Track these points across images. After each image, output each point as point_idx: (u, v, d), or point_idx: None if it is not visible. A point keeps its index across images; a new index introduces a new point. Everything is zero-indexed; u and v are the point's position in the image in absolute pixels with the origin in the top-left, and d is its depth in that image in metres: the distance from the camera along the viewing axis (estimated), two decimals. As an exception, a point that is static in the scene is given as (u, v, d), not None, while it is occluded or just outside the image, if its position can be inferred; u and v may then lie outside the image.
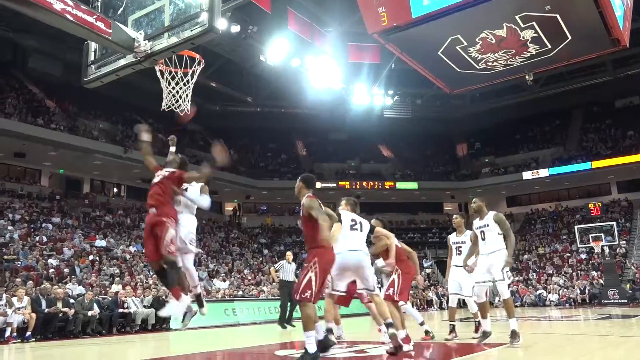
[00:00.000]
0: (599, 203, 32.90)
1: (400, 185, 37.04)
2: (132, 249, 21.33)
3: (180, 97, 7.30)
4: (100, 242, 21.01)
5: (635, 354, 5.17)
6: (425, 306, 25.59)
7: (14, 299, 10.85)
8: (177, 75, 7.24)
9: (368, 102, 32.05)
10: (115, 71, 5.94)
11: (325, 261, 4.92)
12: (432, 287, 28.38)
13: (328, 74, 27.70)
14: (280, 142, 40.20)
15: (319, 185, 36.06)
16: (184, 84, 7.29)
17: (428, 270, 31.90)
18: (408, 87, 34.18)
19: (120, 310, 12.51)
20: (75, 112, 27.79)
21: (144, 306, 13.31)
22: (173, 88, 7.29)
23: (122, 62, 5.82)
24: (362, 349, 6.19)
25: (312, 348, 4.76)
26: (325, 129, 39.03)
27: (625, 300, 21.65)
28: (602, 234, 24.94)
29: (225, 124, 38.00)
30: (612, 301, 21.96)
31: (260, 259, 28.28)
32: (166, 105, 7.42)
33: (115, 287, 13.86)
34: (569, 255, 29.84)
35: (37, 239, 18.87)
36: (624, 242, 28.75)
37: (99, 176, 29.33)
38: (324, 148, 40.43)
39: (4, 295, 10.91)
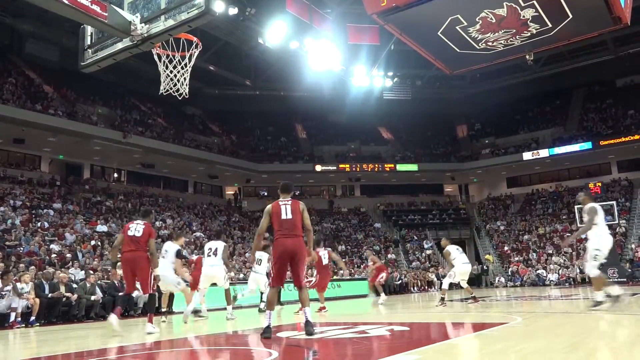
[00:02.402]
0: (599, 183, 32.93)
1: (401, 167, 37.02)
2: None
3: (179, 80, 7.27)
4: (102, 227, 21.06)
5: (634, 331, 5.22)
6: (426, 287, 25.76)
7: (19, 284, 10.92)
8: (175, 59, 7.20)
9: (368, 84, 31.83)
10: (112, 55, 5.91)
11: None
12: (432, 268, 28.53)
13: (327, 56, 27.47)
14: (280, 125, 40.07)
15: (319, 168, 36.10)
16: (182, 68, 7.25)
17: (428, 252, 32.04)
18: (408, 69, 33.98)
19: (121, 294, 12.57)
20: (73, 97, 27.65)
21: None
22: (171, 72, 7.26)
23: (119, 45, 5.78)
24: (363, 330, 6.25)
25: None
26: (324, 112, 38.87)
27: (625, 279, 21.80)
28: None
29: (224, 107, 37.86)
30: (611, 280, 22.07)
31: (262, 242, 28.36)
32: (164, 89, 7.38)
33: (120, 272, 13.91)
34: (569, 235, 29.91)
35: (39, 224, 18.92)
36: (623, 221, 28.82)
37: (98, 161, 29.30)
38: (323, 131, 40.32)
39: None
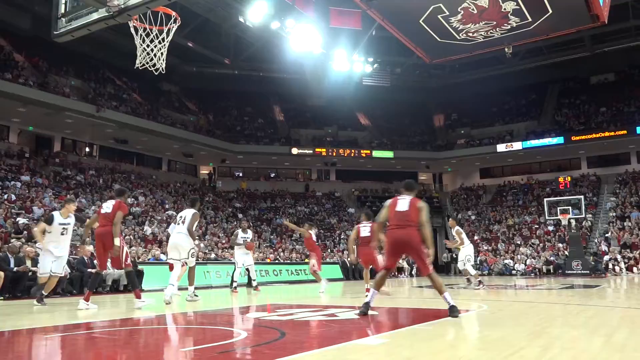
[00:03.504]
0: (569, 177, 33.69)
1: (377, 153, 37.19)
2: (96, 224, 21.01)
3: (155, 55, 7.11)
4: (72, 202, 20.66)
5: (594, 321, 5.40)
6: (396, 273, 26.09)
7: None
8: (152, 33, 7.03)
9: (347, 69, 31.72)
10: (86, 25, 5.74)
11: None
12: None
13: (308, 38, 27.24)
14: (258, 106, 39.74)
15: (295, 151, 36.00)
16: (159, 42, 7.09)
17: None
18: (388, 55, 33.94)
19: (90, 270, 12.41)
20: (45, 67, 26.84)
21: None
22: (147, 46, 7.09)
23: (95, 16, 5.62)
24: (333, 313, 6.31)
25: None
26: (303, 95, 38.64)
27: (588, 272, 22.47)
28: (570, 207, 25.63)
29: (201, 85, 37.31)
30: (575, 272, 22.77)
31: (235, 223, 28.27)
32: (140, 63, 7.22)
33: (86, 248, 13.70)
34: (537, 226, 30.64)
35: (6, 196, 18.45)
36: (590, 215, 29.61)
37: (70, 135, 28.62)
38: (301, 114, 40.16)
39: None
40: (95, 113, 25.73)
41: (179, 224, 8.95)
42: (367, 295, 6.24)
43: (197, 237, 9.41)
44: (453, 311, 5.67)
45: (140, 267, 14.24)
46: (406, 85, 37.59)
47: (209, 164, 37.34)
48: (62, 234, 8.26)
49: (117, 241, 7.46)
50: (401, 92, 37.65)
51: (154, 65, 7.20)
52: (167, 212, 24.84)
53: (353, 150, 37.02)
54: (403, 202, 6.10)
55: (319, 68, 32.27)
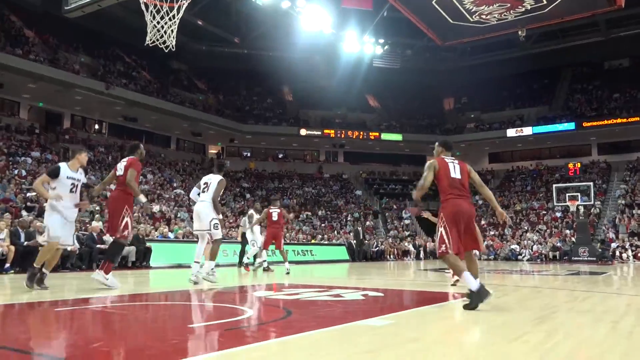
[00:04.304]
0: (579, 163, 33.44)
1: (385, 136, 37.04)
2: (112, 186, 21.20)
3: (165, 32, 7.07)
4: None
5: (599, 308, 5.40)
6: (402, 256, 26.17)
7: (-6, 231, 10.79)
8: (162, 9, 6.98)
9: (358, 51, 31.44)
10: (97, 1, 5.70)
11: None
12: (409, 238, 28.96)
13: (318, 18, 26.97)
14: (267, 86, 39.60)
15: (303, 132, 35.92)
16: (169, 19, 7.04)
17: (407, 222, 32.45)
18: (399, 37, 33.57)
19: (100, 246, 12.55)
20: (55, 44, 26.83)
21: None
22: (158, 22, 7.04)
23: (105, -9, 5.57)
24: (338, 293, 6.35)
25: None
26: (313, 76, 38.42)
27: (595, 259, 22.40)
28: (579, 194, 25.46)
29: (211, 64, 37.18)
30: (582, 258, 22.71)
31: (242, 202, 28.39)
32: (150, 40, 7.18)
33: (95, 224, 13.84)
34: (545, 212, 30.52)
35: (16, 172, 18.61)
36: (598, 202, 29.44)
37: (80, 112, 28.72)
38: (310, 95, 39.99)
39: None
40: (105, 90, 25.76)
41: (203, 191, 8.02)
42: None
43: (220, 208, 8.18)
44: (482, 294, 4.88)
45: (148, 244, 14.38)
46: (416, 67, 37.22)
47: (217, 144, 37.38)
48: (71, 190, 6.66)
49: (142, 198, 6.72)
50: (411, 74, 37.31)
51: (164, 42, 7.16)
52: (175, 191, 24.96)
53: (362, 133, 36.89)
54: (455, 167, 5.30)
55: (329, 49, 32.00)
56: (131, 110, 28.66)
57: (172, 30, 7.16)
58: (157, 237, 16.50)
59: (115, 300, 5.75)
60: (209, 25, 31.69)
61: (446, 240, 4.99)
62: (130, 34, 28.05)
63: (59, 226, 6.49)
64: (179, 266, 14.04)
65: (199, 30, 32.02)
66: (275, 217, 11.62)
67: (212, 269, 7.88)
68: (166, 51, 7.29)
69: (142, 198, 6.72)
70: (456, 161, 5.38)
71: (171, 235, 17.55)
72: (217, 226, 7.78)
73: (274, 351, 3.02)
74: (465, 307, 4.83)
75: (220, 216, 8.16)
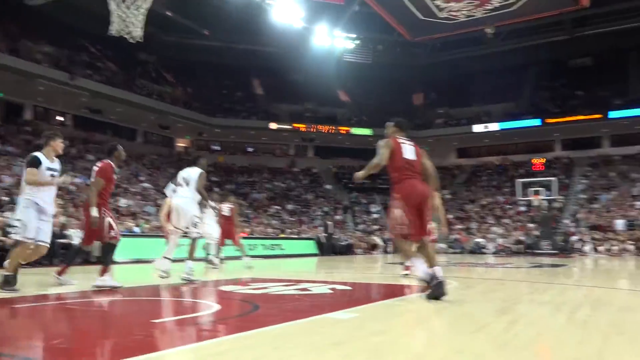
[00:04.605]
0: (543, 159, 34.30)
1: (355, 130, 37.22)
2: (77, 180, 20.68)
3: (132, 22, 6.91)
4: (44, 172, 20.25)
5: (558, 299, 5.57)
6: (371, 249, 26.41)
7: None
8: (127, -1, 6.83)
9: (328, 45, 31.45)
10: (59, -12, 5.52)
11: None
12: (378, 232, 29.23)
13: (290, 11, 26.84)
14: (237, 79, 39.20)
15: (274, 126, 35.77)
16: (136, 9, 6.89)
17: (376, 215, 32.72)
18: (370, 32, 33.72)
19: (61, 240, 12.24)
20: (17, 32, 25.92)
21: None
22: (123, 12, 6.88)
23: (67, -21, 5.41)
24: (306, 287, 6.37)
25: None
26: (283, 69, 38.24)
27: (556, 251, 23.09)
28: (542, 189, 26.16)
29: (180, 56, 36.59)
30: (544, 251, 23.37)
31: (218, 198, 28.10)
32: (115, 30, 7.01)
33: (56, 219, 13.47)
34: (510, 207, 31.24)
35: (-26, 164, 17.99)
36: (561, 197, 30.26)
37: (42, 103, 27.88)
38: (280, 88, 39.78)
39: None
40: (69, 81, 25.09)
41: (180, 185, 7.56)
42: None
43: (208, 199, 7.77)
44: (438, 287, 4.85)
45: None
46: (387, 62, 37.46)
47: (185, 137, 36.88)
48: None
49: (93, 212, 6.07)
50: (382, 69, 37.53)
51: (129, 33, 7.00)
52: (141, 185, 24.54)
53: (332, 127, 36.98)
54: (410, 148, 5.21)
55: (300, 43, 31.92)
56: (96, 102, 27.99)
57: (138, 20, 7.00)
58: (122, 231, 16.19)
59: (78, 296, 5.63)
60: (179, 16, 31.17)
61: (406, 222, 4.89)
62: (95, 23, 27.31)
63: (35, 224, 5.80)
64: (145, 261, 13.83)
65: (168, 21, 31.45)
66: (226, 212, 11.23)
67: (190, 268, 7.31)
68: (132, 42, 7.13)
69: (94, 212, 6.06)
70: (411, 142, 5.30)
71: (137, 230, 17.27)
72: (196, 224, 7.39)
73: (240, 345, 3.02)
74: (429, 296, 4.87)
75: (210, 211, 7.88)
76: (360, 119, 38.41)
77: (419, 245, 5.08)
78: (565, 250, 23.64)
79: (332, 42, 31.50)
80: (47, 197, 5.96)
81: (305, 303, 5.05)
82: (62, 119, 29.76)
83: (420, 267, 4.87)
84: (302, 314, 4.21)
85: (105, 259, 6.42)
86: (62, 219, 13.20)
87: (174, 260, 7.58)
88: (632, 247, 23.55)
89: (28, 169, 5.90)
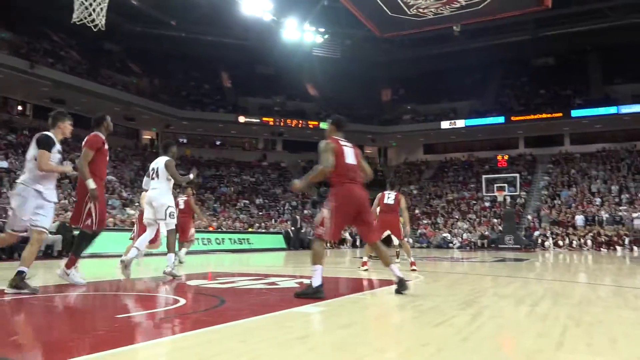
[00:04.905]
0: (507, 156, 35.10)
1: (324, 125, 37.08)
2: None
3: (95, 10, 6.72)
4: (2, 163, 19.62)
5: (520, 292, 5.72)
6: (338, 244, 26.48)
7: None
8: (91, -14, 6.64)
9: (298, 38, 31.34)
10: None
11: None
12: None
13: (259, 4, 26.61)
14: (205, 71, 38.72)
15: (242, 119, 35.49)
16: (99, -3, 6.71)
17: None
18: (339, 27, 33.73)
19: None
20: (-27, 17, 24.97)
21: (50, 232, 12.72)
22: (85, 0, 6.69)
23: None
24: (273, 282, 6.36)
25: None
26: (252, 62, 37.96)
27: (519, 246, 23.70)
28: (506, 185, 26.77)
29: (146, 47, 35.88)
30: (507, 246, 23.94)
31: (177, 190, 27.72)
32: (77, 18, 6.80)
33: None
34: (475, 202, 31.86)
35: None
36: (524, 193, 31.07)
37: (0, 91, 26.90)
38: (249, 81, 39.50)
39: None
40: (29, 69, 24.27)
41: (153, 178, 7.19)
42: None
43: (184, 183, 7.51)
44: (402, 285, 5.06)
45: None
46: (356, 58, 37.59)
47: (152, 129, 36.22)
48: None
49: (90, 183, 5.57)
50: (351, 64, 37.65)
51: (93, 21, 6.80)
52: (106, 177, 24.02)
53: (300, 121, 36.91)
54: (350, 151, 5.09)
55: (269, 36, 31.70)
56: (59, 91, 27.17)
57: (101, 8, 6.81)
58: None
59: (39, 291, 5.47)
60: (145, 5, 30.52)
61: (327, 224, 4.82)
62: (58, 10, 26.53)
63: (51, 215, 5.27)
64: (107, 256, 13.56)
65: (134, 10, 30.76)
66: (181, 205, 10.61)
67: (173, 262, 7.08)
68: (95, 30, 6.93)
69: (91, 184, 5.59)
70: (350, 144, 5.14)
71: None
72: (172, 215, 6.97)
73: (206, 339, 2.99)
74: (296, 294, 4.79)
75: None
76: (329, 114, 38.34)
77: (374, 249, 5.08)
78: (528, 245, 24.28)
79: (302, 36, 31.40)
80: (50, 183, 5.31)
81: (272, 297, 5.04)
82: (21, 108, 28.81)
83: (318, 276, 4.74)
84: (269, 308, 4.20)
85: (76, 249, 5.89)
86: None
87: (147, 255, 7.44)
88: (590, 242, 24.35)
89: (41, 150, 5.17)
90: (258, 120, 36.15)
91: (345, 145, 5.06)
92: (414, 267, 8.68)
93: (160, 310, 4.26)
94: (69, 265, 5.80)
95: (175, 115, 33.56)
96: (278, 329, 3.35)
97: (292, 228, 23.96)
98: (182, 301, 4.65)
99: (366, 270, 8.70)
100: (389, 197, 9.48)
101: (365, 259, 9.36)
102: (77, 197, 5.92)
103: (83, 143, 5.92)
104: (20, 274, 4.96)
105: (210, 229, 21.88)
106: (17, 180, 5.36)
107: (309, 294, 4.71)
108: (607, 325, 3.59)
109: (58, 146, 5.42)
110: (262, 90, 38.75)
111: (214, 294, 5.17)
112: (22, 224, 5.18)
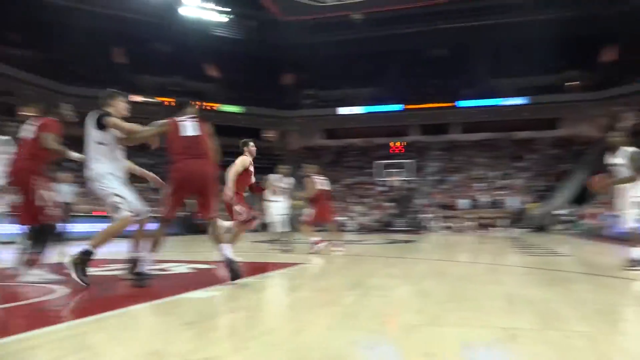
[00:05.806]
0: (403, 142, 36.80)
1: (224, 107, 36.53)
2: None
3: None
4: None
5: (407, 271, 6.06)
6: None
7: None
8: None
9: (198, 16, 30.31)
10: None
11: None
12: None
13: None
14: (97, 45, 36.10)
15: (138, 99, 33.77)
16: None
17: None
18: (242, 8, 33.14)
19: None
20: None
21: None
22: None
23: None
24: (164, 267, 6.18)
25: None
26: (149, 38, 36.10)
27: (409, 228, 25.09)
28: (399, 170, 28.11)
29: (30, 16, 32.70)
30: (399, 228, 25.22)
31: (61, 173, 25.85)
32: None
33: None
34: (370, 187, 33.08)
35: None
36: (416, 178, 32.77)
37: None
38: (146, 59, 37.54)
39: None
40: None
41: None
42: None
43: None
44: (233, 269, 4.63)
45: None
46: (259, 40, 37.22)
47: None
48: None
49: (74, 154, 5.15)
50: (253, 47, 37.19)
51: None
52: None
53: (199, 102, 35.85)
54: (191, 125, 4.85)
55: (168, 12, 30.35)
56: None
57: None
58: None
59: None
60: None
61: (165, 203, 4.74)
62: None
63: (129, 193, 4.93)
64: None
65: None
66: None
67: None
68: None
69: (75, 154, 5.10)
70: (194, 119, 4.96)
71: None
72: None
73: (89, 328, 2.84)
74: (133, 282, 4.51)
75: None
76: (230, 96, 37.76)
77: (212, 229, 4.86)
78: (417, 227, 25.74)
79: (203, 14, 30.41)
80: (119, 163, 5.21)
81: (162, 283, 4.89)
82: None
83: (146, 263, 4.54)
84: (158, 294, 4.08)
85: (40, 245, 5.00)
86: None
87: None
88: (472, 224, 26.34)
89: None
90: (155, 100, 34.59)
91: (185, 121, 4.90)
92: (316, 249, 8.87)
93: (37, 301, 3.98)
94: (31, 264, 4.97)
95: (62, 91, 31.10)
96: (165, 315, 3.27)
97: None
98: (63, 290, 4.37)
99: (322, 247, 9.00)
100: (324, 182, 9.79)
101: (316, 239, 9.23)
102: (27, 193, 4.97)
103: (36, 130, 5.24)
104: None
105: (100, 214, 20.68)
106: None
107: (135, 280, 4.47)
108: (477, 300, 3.91)
109: None
110: (159, 69, 37.05)
111: (98, 281, 4.92)
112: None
